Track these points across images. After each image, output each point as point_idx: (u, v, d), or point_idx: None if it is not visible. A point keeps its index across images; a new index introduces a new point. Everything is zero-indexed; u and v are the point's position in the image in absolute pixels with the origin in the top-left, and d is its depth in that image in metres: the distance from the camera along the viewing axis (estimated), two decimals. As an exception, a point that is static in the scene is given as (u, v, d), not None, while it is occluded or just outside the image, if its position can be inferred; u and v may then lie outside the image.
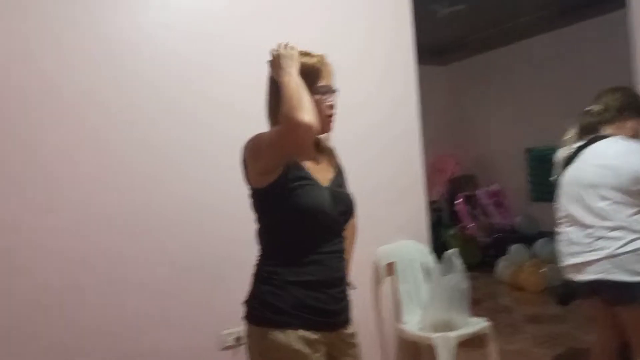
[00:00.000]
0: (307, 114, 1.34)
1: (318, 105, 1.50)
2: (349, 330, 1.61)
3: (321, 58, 1.56)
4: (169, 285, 2.41)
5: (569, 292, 3.23)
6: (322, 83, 1.53)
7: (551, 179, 2.59)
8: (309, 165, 1.54)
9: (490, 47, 7.20)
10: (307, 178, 1.48)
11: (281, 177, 1.46)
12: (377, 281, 3.03)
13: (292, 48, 1.51)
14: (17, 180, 2.13)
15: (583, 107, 2.48)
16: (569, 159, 2.38)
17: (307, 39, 2.90)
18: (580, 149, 2.34)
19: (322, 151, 1.65)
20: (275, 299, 1.46)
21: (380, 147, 3.16)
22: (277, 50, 1.50)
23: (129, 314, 2.31)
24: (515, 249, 6.09)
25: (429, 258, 3.19)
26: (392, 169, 3.20)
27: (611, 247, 2.14)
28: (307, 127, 1.34)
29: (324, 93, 1.53)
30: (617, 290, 2.15)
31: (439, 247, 3.91)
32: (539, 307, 4.99)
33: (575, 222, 2.31)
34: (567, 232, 2.35)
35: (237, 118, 2.49)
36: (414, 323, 2.93)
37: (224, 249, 2.50)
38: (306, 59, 1.52)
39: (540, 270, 5.54)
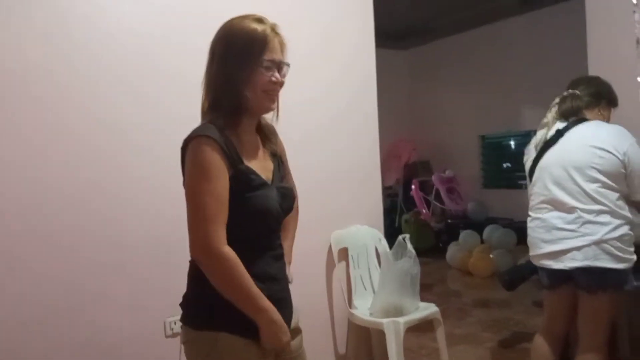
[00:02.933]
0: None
1: (260, 79, 1.38)
2: (293, 326, 1.53)
3: (272, 27, 1.42)
4: (121, 266, 2.32)
5: (515, 278, 3.33)
6: (267, 56, 1.38)
7: (528, 165, 2.45)
8: (254, 158, 1.44)
9: (450, 32, 7.26)
10: (256, 179, 1.39)
11: (231, 177, 1.34)
12: (330, 266, 3.01)
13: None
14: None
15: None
16: (549, 142, 2.31)
17: (267, 16, 2.87)
18: (561, 131, 2.29)
19: (263, 134, 1.54)
20: (219, 300, 1.34)
21: (337, 132, 3.12)
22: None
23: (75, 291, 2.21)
24: (465, 234, 6.22)
25: (382, 243, 3.19)
26: (349, 154, 3.17)
27: (599, 233, 2.10)
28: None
29: (267, 67, 1.39)
30: (602, 277, 2.12)
31: (393, 233, 3.93)
32: (487, 292, 5.12)
33: (558, 206, 2.22)
34: (546, 218, 2.26)
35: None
36: (364, 308, 2.93)
37: (182, 232, 2.41)
38: (255, 25, 1.38)
39: (489, 256, 5.69)
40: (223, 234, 1.30)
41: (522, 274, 3.22)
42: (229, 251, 1.30)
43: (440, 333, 2.91)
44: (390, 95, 5.25)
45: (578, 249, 2.14)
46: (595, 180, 2.15)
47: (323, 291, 3.02)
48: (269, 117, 1.52)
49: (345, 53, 3.18)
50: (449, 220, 6.99)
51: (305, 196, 2.93)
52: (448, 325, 2.99)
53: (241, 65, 1.36)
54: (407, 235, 2.85)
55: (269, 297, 1.38)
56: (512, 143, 7.24)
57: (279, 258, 1.50)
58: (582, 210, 2.15)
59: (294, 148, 2.86)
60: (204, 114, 1.42)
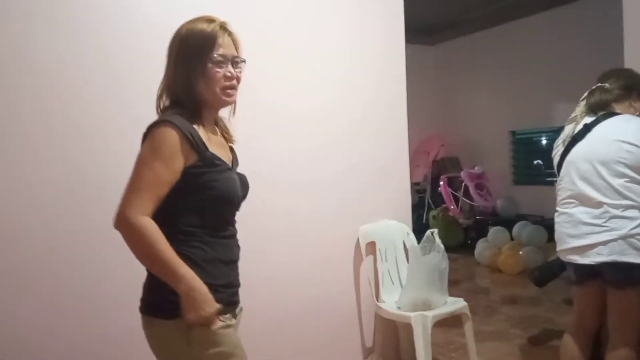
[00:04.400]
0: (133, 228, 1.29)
1: (213, 75, 1.43)
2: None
3: (221, 25, 1.46)
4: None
5: (546, 275, 3.29)
6: (217, 51, 1.43)
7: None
8: (216, 147, 1.48)
9: (479, 27, 7.17)
10: (222, 165, 1.44)
11: (196, 163, 1.39)
12: (358, 259, 3.04)
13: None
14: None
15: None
16: (576, 137, 2.28)
17: (293, 15, 2.90)
18: (589, 125, 2.26)
19: (219, 126, 1.59)
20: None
21: (366, 127, 3.14)
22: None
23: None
24: (495, 231, 6.15)
25: (410, 237, 3.20)
26: (378, 149, 3.18)
27: (626, 227, 2.07)
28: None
29: (217, 62, 1.43)
30: (629, 272, 2.09)
31: (420, 229, 3.93)
32: (516, 289, 5.07)
33: (584, 201, 2.20)
34: (573, 213, 2.23)
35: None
36: (392, 302, 2.94)
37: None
38: (204, 25, 1.44)
39: (519, 253, 5.62)
40: (145, 206, 1.31)
41: (552, 270, 3.17)
42: (145, 220, 1.30)
43: (469, 328, 2.90)
44: (418, 91, 5.22)
45: (604, 243, 2.11)
46: (623, 175, 2.11)
47: (350, 284, 3.04)
48: (225, 112, 1.58)
49: (375, 48, 3.18)
50: (478, 217, 6.92)
51: (333, 190, 2.99)
52: (476, 321, 2.98)
53: (194, 64, 1.42)
54: (436, 230, 2.85)
55: (231, 283, 1.47)
56: (543, 139, 7.12)
57: (237, 244, 1.55)
58: (609, 205, 2.12)
59: (323, 142, 2.93)
60: (164, 111, 1.47)
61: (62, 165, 2.19)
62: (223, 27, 1.47)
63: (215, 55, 1.43)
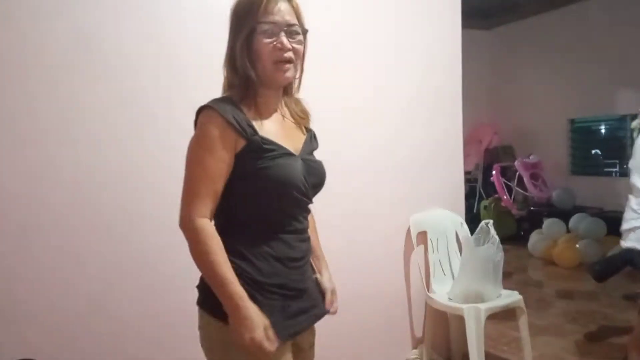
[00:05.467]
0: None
1: (261, 47, 1.28)
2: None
3: None
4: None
5: (607, 269, 3.16)
6: (265, 18, 1.26)
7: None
8: (276, 130, 1.35)
9: (537, 10, 6.90)
10: (276, 149, 1.29)
11: (244, 149, 1.27)
12: (409, 249, 2.99)
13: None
14: None
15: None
16: None
17: (345, 1, 2.85)
18: None
19: (291, 107, 1.44)
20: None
21: (419, 114, 3.07)
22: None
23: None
24: (550, 223, 5.96)
25: (463, 228, 3.12)
26: (431, 136, 3.11)
27: None
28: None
29: (264, 31, 1.27)
30: None
31: (471, 219, 3.84)
32: (571, 283, 4.90)
33: (634, 190, 2.34)
34: (629, 199, 2.38)
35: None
36: (443, 293, 2.89)
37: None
38: None
39: (576, 246, 5.42)
40: (203, 207, 1.24)
41: (614, 265, 3.06)
42: (204, 224, 1.23)
43: (523, 322, 2.82)
44: (471, 78, 5.07)
45: (635, 229, 2.26)
46: None
47: (400, 273, 3.00)
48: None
49: (430, 34, 3.10)
50: (532, 208, 6.71)
51: (384, 177, 2.94)
52: (529, 315, 2.88)
53: (240, 34, 1.28)
54: (491, 221, 2.77)
55: (285, 285, 1.32)
56: (602, 128, 6.82)
57: (304, 241, 1.41)
58: None
59: (375, 130, 2.88)
60: (224, 89, 1.38)
61: (120, 158, 2.22)
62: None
63: (263, 22, 1.27)
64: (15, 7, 2.01)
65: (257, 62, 1.30)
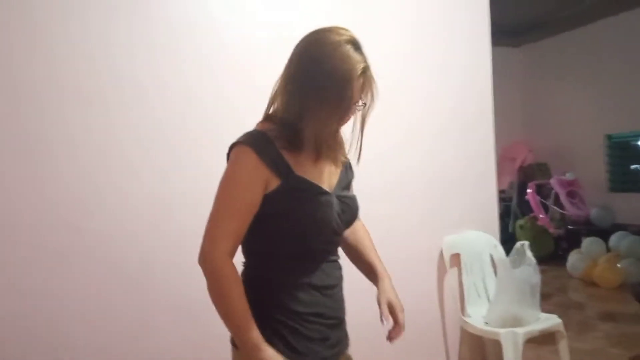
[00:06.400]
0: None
1: (334, 124, 1.27)
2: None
3: (365, 60, 1.27)
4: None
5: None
6: (357, 99, 1.25)
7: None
8: (310, 166, 1.30)
9: (568, 26, 6.80)
10: (311, 188, 1.27)
11: (278, 188, 1.24)
12: (442, 271, 2.93)
13: None
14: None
15: None
16: None
17: (374, 23, 2.86)
18: None
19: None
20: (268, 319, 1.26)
21: (451, 133, 3.03)
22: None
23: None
24: (589, 242, 5.78)
25: (497, 250, 3.05)
26: (462, 156, 3.06)
27: None
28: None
29: (351, 112, 1.28)
30: None
31: (507, 239, 3.75)
32: (614, 305, 4.72)
33: None
34: None
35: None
36: (479, 317, 2.82)
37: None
38: (353, 56, 1.23)
39: (617, 265, 5.24)
40: (226, 244, 1.21)
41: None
42: (223, 264, 1.20)
43: (564, 347, 2.72)
44: (503, 95, 5.01)
45: None
46: None
47: (433, 297, 2.94)
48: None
49: (460, 52, 3.08)
50: (570, 227, 6.53)
51: (416, 199, 2.90)
52: (570, 338, 2.78)
53: (324, 107, 1.22)
54: (527, 243, 2.70)
55: (323, 314, 1.30)
56: (642, 143, 6.63)
57: (337, 269, 1.39)
58: None
59: (406, 149, 2.86)
60: (265, 117, 1.33)
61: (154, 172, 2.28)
62: (366, 61, 1.27)
63: (354, 106, 1.26)
64: (49, 36, 2.11)
65: (318, 127, 1.25)
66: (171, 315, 2.26)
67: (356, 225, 1.51)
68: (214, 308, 1.21)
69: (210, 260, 1.21)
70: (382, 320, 1.39)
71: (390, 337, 1.38)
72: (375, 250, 1.54)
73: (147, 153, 2.26)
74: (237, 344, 1.23)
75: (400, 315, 1.40)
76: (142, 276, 2.22)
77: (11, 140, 2.05)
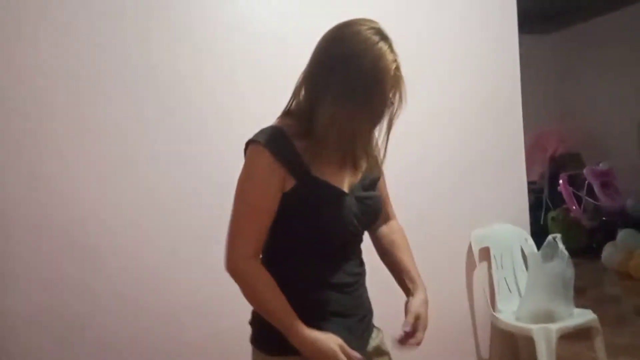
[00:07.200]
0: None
1: (367, 132, 1.24)
2: (373, 347, 1.37)
3: (397, 66, 1.19)
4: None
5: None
6: (391, 96, 1.19)
7: None
8: (329, 168, 1.24)
9: (599, 11, 6.58)
10: (327, 187, 1.22)
11: (293, 188, 1.21)
12: (470, 266, 2.87)
13: None
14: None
15: None
16: None
17: (398, 12, 2.79)
18: None
19: None
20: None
21: (478, 124, 2.95)
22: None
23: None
24: (625, 233, 5.60)
25: (528, 243, 2.97)
26: (490, 147, 2.98)
27: None
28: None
29: (383, 116, 1.22)
30: None
31: (538, 231, 3.65)
32: (652, 298, 4.57)
33: None
34: None
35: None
36: (510, 312, 2.74)
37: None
38: (385, 53, 1.16)
39: (655, 258, 5.07)
40: (247, 247, 1.20)
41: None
42: (247, 266, 1.20)
43: (599, 343, 2.63)
44: (533, 84, 4.89)
45: None
46: None
47: (462, 292, 2.88)
48: None
49: (486, 42, 2.99)
50: (604, 218, 6.34)
51: (442, 192, 2.84)
52: (606, 333, 2.69)
53: (349, 106, 1.15)
54: (559, 235, 2.62)
55: (340, 313, 1.26)
56: (680, 130, 6.39)
57: (357, 265, 1.35)
58: None
59: (432, 141, 2.79)
60: (285, 112, 1.28)
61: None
62: (398, 68, 1.19)
63: (390, 105, 1.20)
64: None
65: (342, 126, 1.17)
66: (196, 309, 2.28)
67: (392, 226, 1.46)
68: (236, 302, 1.21)
69: (235, 266, 1.20)
70: (403, 330, 1.31)
71: (400, 340, 1.30)
72: (412, 255, 1.45)
73: (173, 148, 2.28)
74: (285, 333, 1.19)
75: (420, 333, 1.32)
76: (168, 270, 2.25)
77: (41, 137, 2.09)
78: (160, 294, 2.24)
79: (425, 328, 1.33)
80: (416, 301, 1.33)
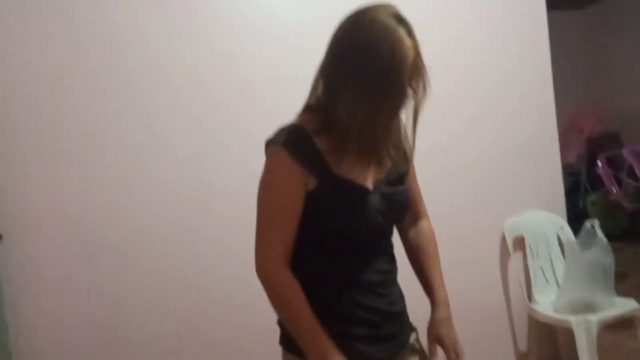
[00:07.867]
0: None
1: (388, 124, 1.17)
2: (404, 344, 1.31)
3: (417, 53, 1.13)
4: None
5: None
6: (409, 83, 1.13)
7: None
8: (353, 166, 1.19)
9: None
10: (349, 185, 1.18)
11: (315, 188, 1.17)
12: (505, 256, 2.77)
13: None
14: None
15: None
16: None
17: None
18: None
19: None
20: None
21: (506, 106, 2.84)
22: None
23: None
24: (669, 215, 5.37)
25: (564, 231, 2.85)
26: (522, 130, 2.86)
27: None
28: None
29: (404, 103, 1.16)
30: None
31: (577, 216, 3.51)
32: (700, 283, 4.36)
33: None
34: None
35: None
36: (547, 303, 2.64)
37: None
38: (403, 39, 1.09)
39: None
40: (275, 250, 1.17)
41: None
42: (276, 271, 1.16)
43: (644, 332, 2.51)
44: (565, 62, 4.71)
45: None
46: None
47: (497, 283, 2.79)
48: None
49: (513, 19, 2.86)
50: (647, 200, 6.10)
51: (472, 179, 2.73)
52: (651, 322, 2.56)
53: (371, 96, 1.10)
54: (596, 221, 2.50)
55: (367, 311, 1.21)
56: None
57: (387, 263, 1.29)
58: None
59: (458, 125, 2.69)
60: (305, 108, 1.24)
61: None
62: (417, 56, 1.13)
63: (407, 91, 1.14)
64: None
65: (364, 118, 1.11)
66: (223, 309, 2.28)
67: (420, 229, 1.40)
68: (264, 301, 1.18)
69: (262, 270, 1.18)
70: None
71: None
72: (439, 262, 1.39)
73: (199, 148, 2.28)
74: (304, 351, 1.16)
75: (452, 356, 1.25)
76: (194, 270, 2.26)
77: (66, 139, 2.12)
78: (187, 294, 2.23)
79: (455, 346, 1.27)
80: (434, 323, 1.29)
